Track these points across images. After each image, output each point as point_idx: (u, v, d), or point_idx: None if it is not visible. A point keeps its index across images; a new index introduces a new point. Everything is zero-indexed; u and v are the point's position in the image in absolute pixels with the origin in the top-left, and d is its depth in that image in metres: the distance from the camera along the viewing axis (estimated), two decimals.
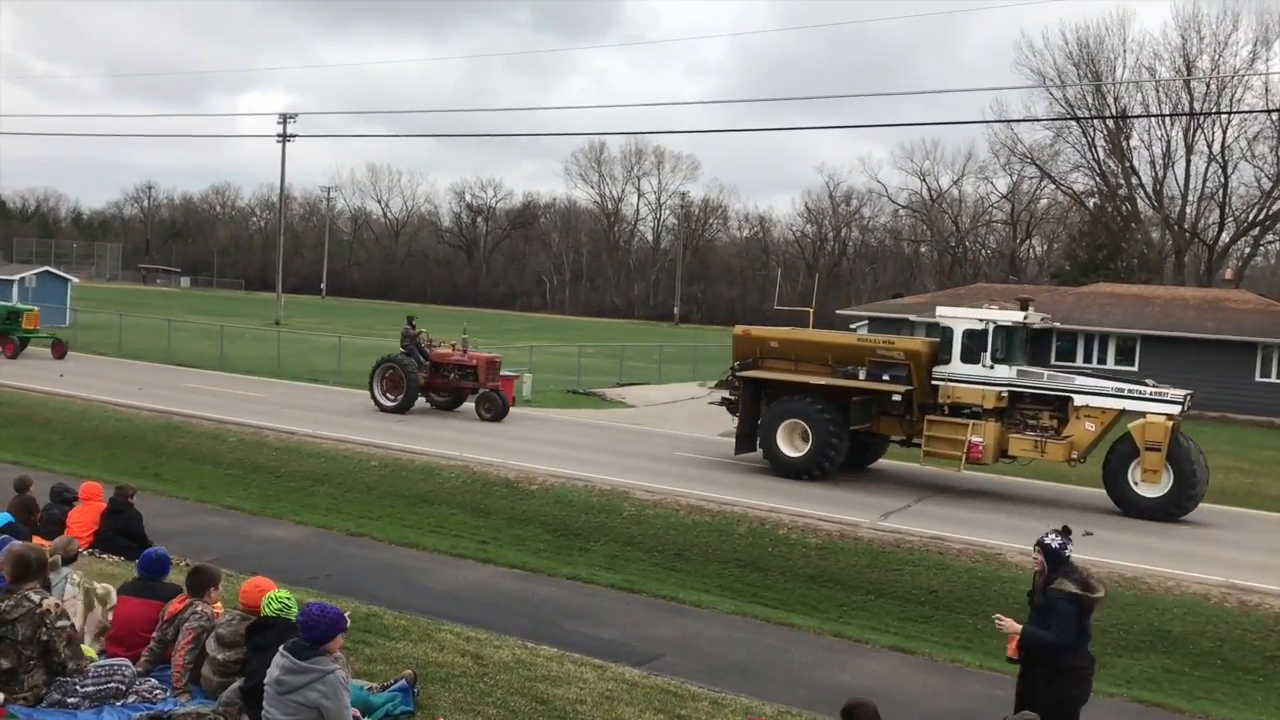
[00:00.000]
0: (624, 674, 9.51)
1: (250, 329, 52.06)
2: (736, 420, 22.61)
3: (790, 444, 21.11)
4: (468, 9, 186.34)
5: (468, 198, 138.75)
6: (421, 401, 27.95)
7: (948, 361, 20.43)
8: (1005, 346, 20.31)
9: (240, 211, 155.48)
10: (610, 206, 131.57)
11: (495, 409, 26.91)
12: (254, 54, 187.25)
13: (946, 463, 20.82)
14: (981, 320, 20.34)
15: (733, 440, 22.79)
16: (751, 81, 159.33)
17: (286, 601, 7.00)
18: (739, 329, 23.13)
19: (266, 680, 6.30)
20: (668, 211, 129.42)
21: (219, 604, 7.75)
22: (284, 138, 71.72)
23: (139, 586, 8.05)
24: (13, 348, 35.58)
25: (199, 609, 7.50)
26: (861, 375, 20.79)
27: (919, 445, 20.91)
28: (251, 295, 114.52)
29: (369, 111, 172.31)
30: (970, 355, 20.22)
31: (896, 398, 20.60)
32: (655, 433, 27.33)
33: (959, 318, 20.66)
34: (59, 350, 36.12)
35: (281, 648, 6.37)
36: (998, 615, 8.12)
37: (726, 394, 23.44)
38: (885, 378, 20.53)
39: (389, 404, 27.00)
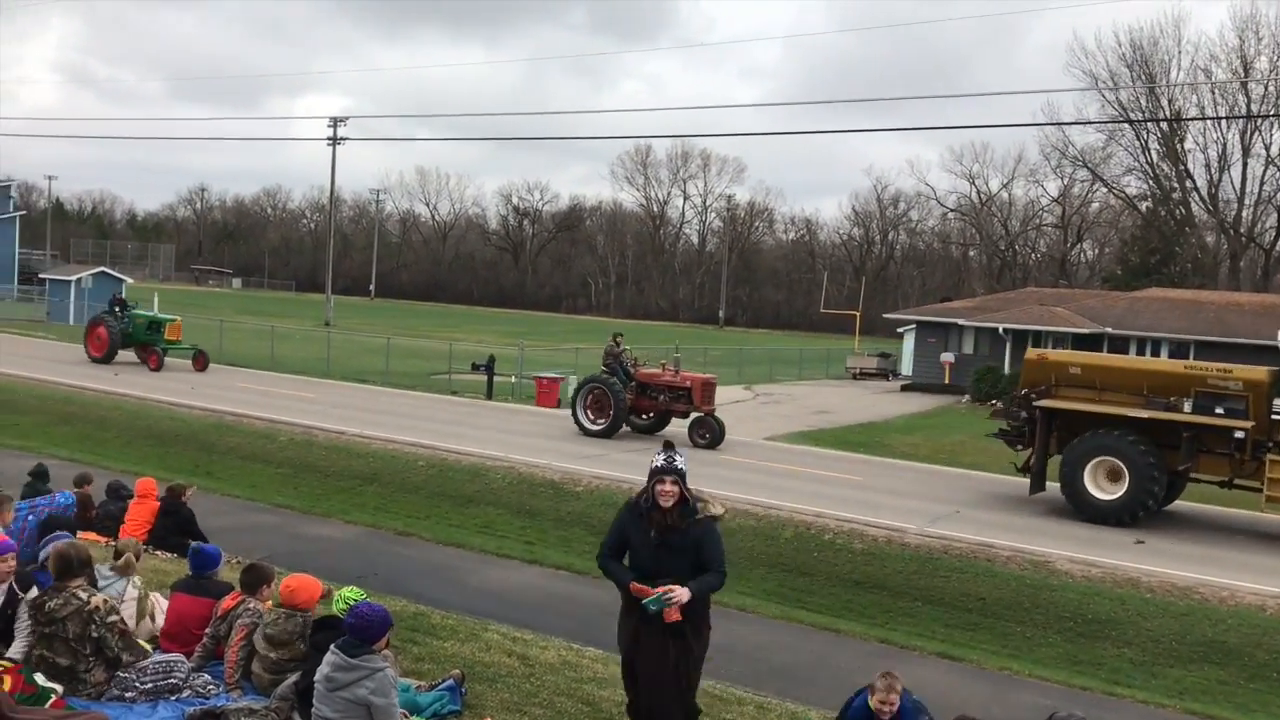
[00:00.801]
0: None
1: (300, 330, 52.70)
2: (1024, 455, 20.65)
3: (1097, 484, 18.94)
4: (524, 10, 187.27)
5: (514, 200, 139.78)
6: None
7: None
8: None
9: (291, 214, 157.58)
10: (656, 209, 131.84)
11: (712, 434, 24.81)
12: (312, 58, 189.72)
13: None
14: None
15: (773, 444, 22.65)
16: (803, 84, 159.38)
17: (354, 601, 7.08)
18: (1033, 353, 21.04)
19: (316, 678, 6.39)
20: (713, 214, 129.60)
21: (269, 601, 7.85)
22: (334, 140, 72.55)
23: (191, 584, 8.17)
24: (157, 359, 33.60)
25: (251, 606, 7.59)
26: (1187, 407, 18.55)
27: (1244, 488, 19.03)
28: (301, 296, 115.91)
29: (419, 115, 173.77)
30: None
31: (1239, 434, 18.23)
32: None
33: None
34: (200, 362, 34.19)
35: (333, 645, 6.46)
36: (667, 588, 6.54)
37: (1005, 424, 21.07)
38: (1219, 410, 18.33)
39: (594, 428, 24.98)
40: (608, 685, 8.74)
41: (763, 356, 53.94)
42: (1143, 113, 69.41)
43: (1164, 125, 67.27)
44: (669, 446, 6.80)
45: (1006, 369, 41.45)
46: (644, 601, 6.55)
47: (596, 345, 29.88)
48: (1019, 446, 20.77)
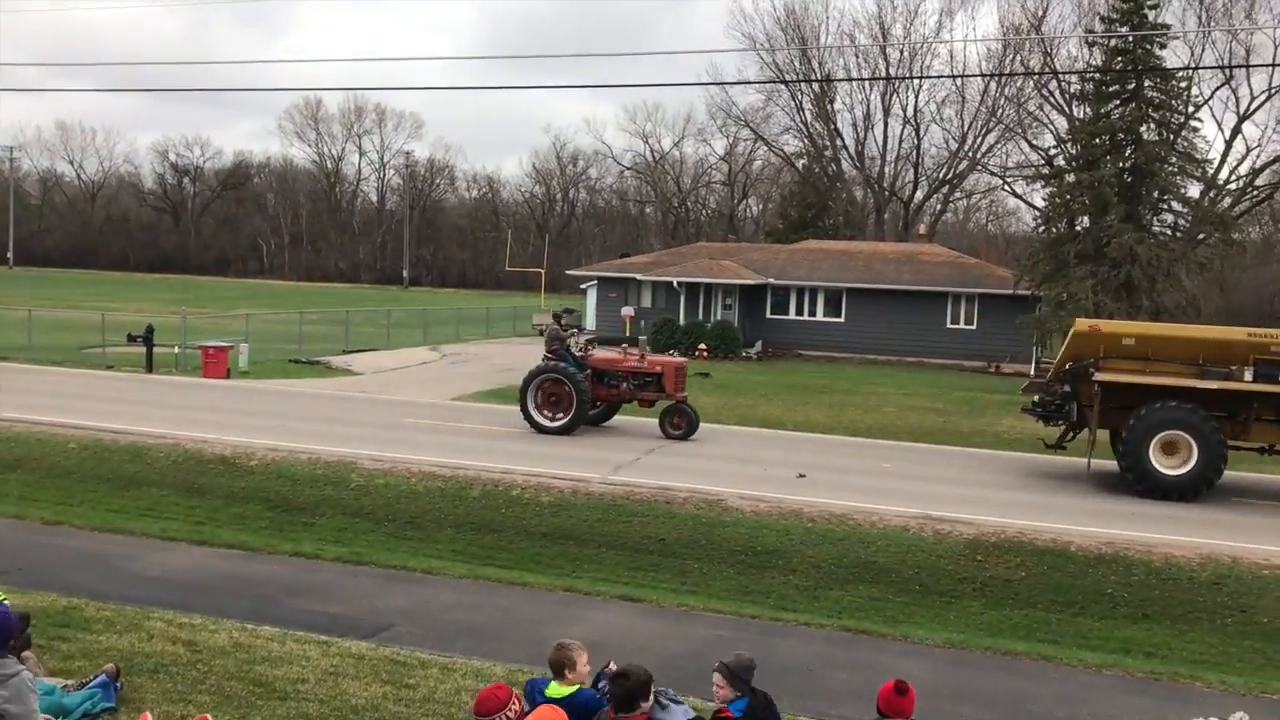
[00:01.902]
0: (350, 648, 9.28)
1: None
2: (1062, 430, 20.05)
3: (1163, 459, 18.21)
4: None
5: (172, 157, 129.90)
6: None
7: None
8: None
9: None
10: (330, 166, 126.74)
11: (689, 423, 22.40)
12: None
13: None
14: None
15: (462, 404, 22.45)
16: (487, 41, 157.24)
17: None
18: (1084, 324, 19.60)
19: None
20: (392, 171, 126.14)
21: None
22: None
23: None
24: None
25: None
26: (1248, 376, 18.02)
27: None
28: None
29: (59, 64, 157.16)
30: None
31: None
32: (385, 400, 26.71)
33: None
34: None
35: None
36: None
37: (1036, 399, 20.12)
38: None
39: (552, 425, 21.91)
40: (282, 664, 8.40)
41: (449, 316, 53.42)
42: (797, 74, 74.00)
43: (815, 87, 72.05)
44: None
45: (681, 320, 43.30)
46: None
47: (268, 310, 28.35)
48: (1056, 423, 20.03)
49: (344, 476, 17.90)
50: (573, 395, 21.77)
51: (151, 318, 35.94)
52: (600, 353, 23.83)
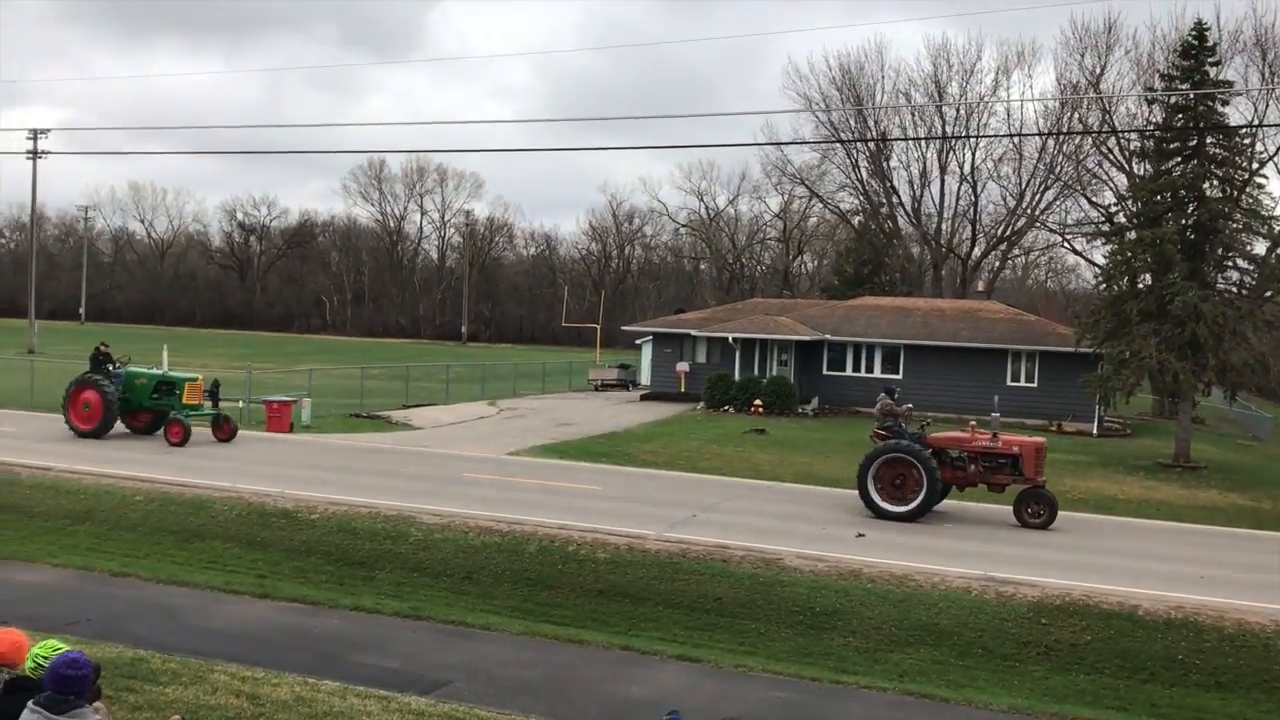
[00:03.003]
0: (410, 704, 9.32)
1: None
2: None
3: None
4: (270, 23, 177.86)
5: (240, 216, 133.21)
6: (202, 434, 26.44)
7: None
8: None
9: None
10: (393, 225, 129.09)
11: (1050, 510, 20.34)
12: (33, 70, 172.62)
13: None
14: None
15: (519, 459, 22.53)
16: (548, 103, 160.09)
17: (49, 656, 6.42)
18: None
19: None
20: (452, 230, 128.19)
21: None
22: (35, 154, 67.05)
23: None
24: (180, 431, 25.92)
25: None
26: None
27: None
28: (1, 322, 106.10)
29: (134, 128, 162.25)
30: None
31: None
32: (443, 454, 26.92)
33: None
34: (225, 430, 27.30)
35: (31, 703, 5.89)
36: None
37: None
38: None
39: (895, 509, 19.97)
40: (343, 719, 8.45)
41: (506, 371, 53.84)
42: (852, 133, 74.21)
43: (871, 145, 72.19)
44: None
45: (736, 376, 43.21)
46: None
47: (331, 365, 28.79)
48: None
49: (403, 531, 18.04)
50: (922, 477, 19.88)
51: (217, 373, 36.66)
52: (949, 434, 21.83)
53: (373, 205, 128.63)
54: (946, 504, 21.77)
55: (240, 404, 32.86)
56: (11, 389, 36.10)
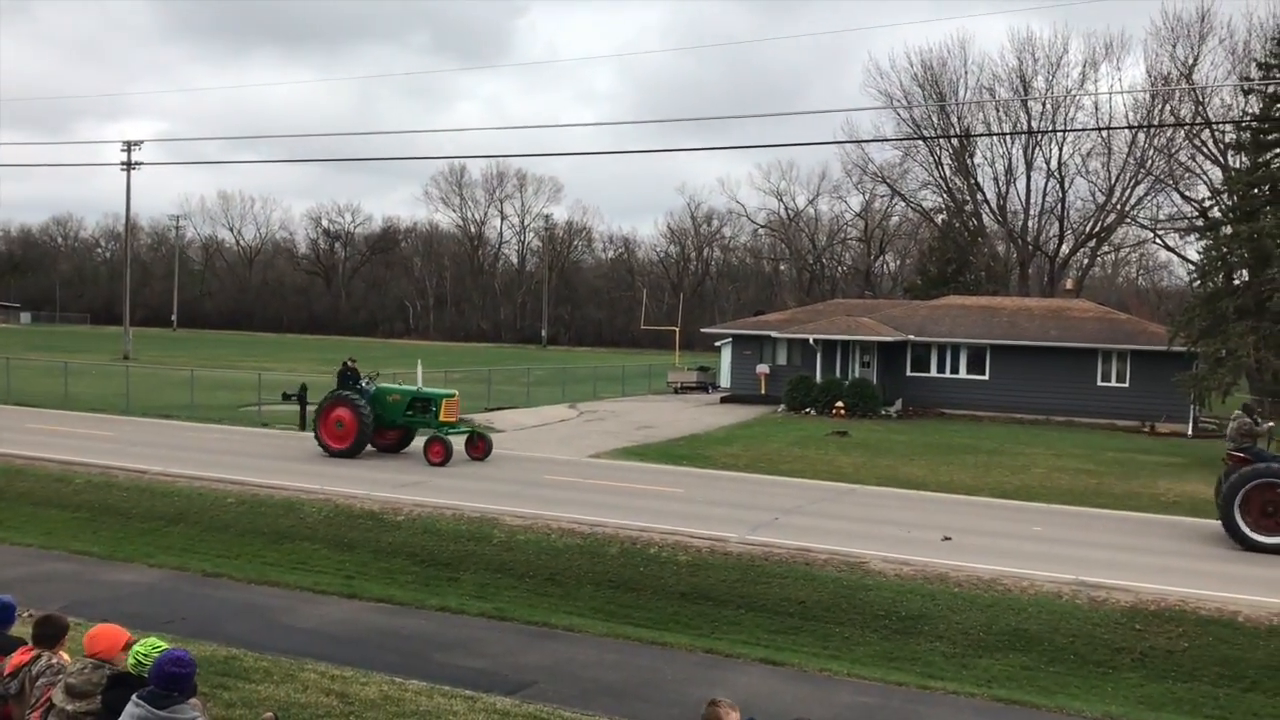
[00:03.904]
0: (495, 704, 9.38)
1: (96, 365, 49.83)
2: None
3: None
4: (366, 32, 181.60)
5: (325, 223, 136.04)
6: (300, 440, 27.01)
7: None
8: None
9: (84, 243, 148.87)
10: (473, 230, 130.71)
11: None
12: (138, 85, 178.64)
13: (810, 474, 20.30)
14: None
15: (600, 461, 22.51)
16: (633, 106, 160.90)
17: (149, 654, 6.57)
18: None
19: None
20: (532, 234, 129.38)
21: (65, 653, 7.32)
22: (129, 165, 69.15)
23: None
24: (443, 451, 24.56)
25: (53, 662, 7.05)
26: None
27: None
28: (97, 330, 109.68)
29: (226, 137, 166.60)
30: None
31: None
32: (525, 457, 27.11)
33: None
34: (480, 448, 25.83)
35: (135, 697, 6.04)
36: None
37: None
38: None
39: (1270, 541, 17.95)
40: (431, 718, 8.54)
41: (586, 374, 54.10)
42: (935, 130, 73.18)
43: (954, 142, 71.10)
44: None
45: (818, 378, 42.84)
46: None
47: (414, 369, 29.11)
48: None
49: (486, 533, 18.21)
50: None
51: (304, 377, 37.48)
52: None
53: (454, 211, 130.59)
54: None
55: None
56: (109, 394, 37.29)
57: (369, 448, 25.86)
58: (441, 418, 25.42)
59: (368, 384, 26.25)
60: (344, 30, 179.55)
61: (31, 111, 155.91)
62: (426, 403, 25.75)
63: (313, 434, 26.01)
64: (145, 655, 6.43)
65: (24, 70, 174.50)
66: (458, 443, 25.57)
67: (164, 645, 6.67)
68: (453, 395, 26.08)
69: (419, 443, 26.00)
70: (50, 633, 7.19)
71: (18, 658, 7.11)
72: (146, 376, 43.10)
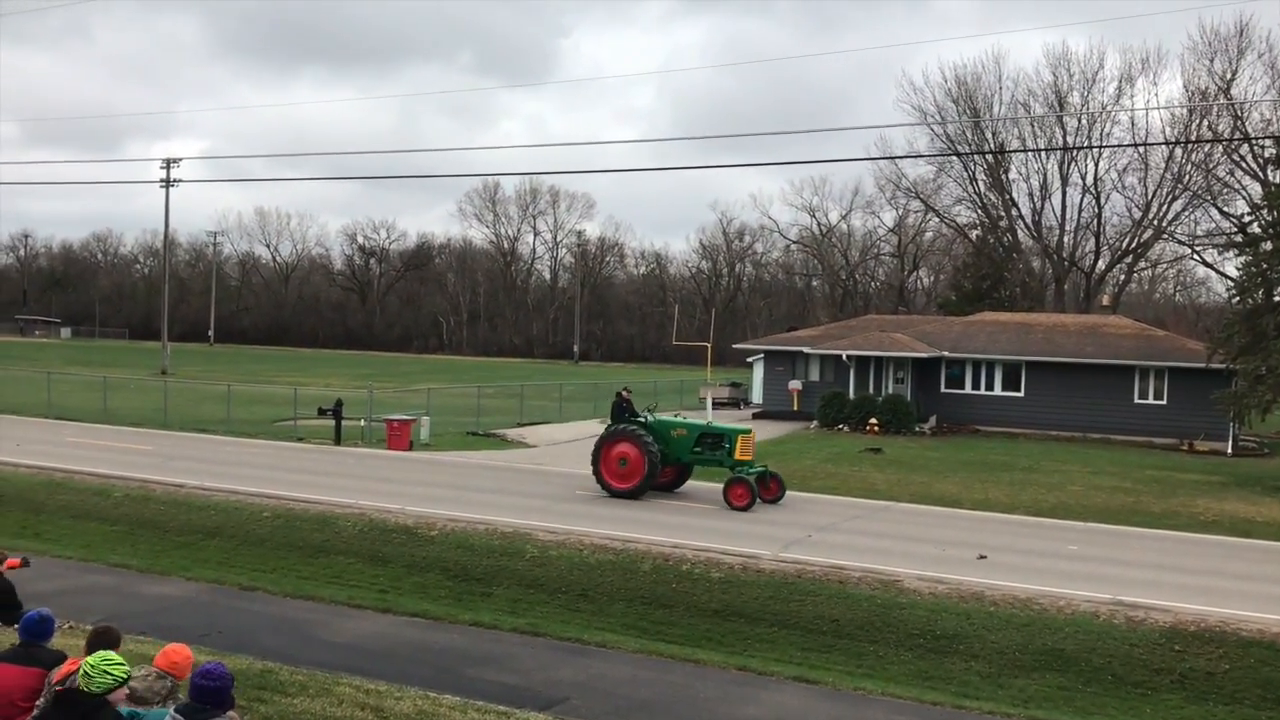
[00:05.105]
0: (529, 719, 9.39)
1: (135, 379, 50.46)
2: None
3: None
4: (411, 52, 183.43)
5: (360, 240, 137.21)
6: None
7: None
8: None
9: (123, 259, 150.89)
10: (506, 246, 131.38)
11: None
12: (185, 104, 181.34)
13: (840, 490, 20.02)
14: None
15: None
16: (671, 123, 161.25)
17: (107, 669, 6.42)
18: None
19: None
20: (564, 250, 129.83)
21: None
22: (167, 183, 70.08)
23: (19, 653, 7.65)
24: (746, 494, 22.13)
25: None
26: None
27: None
28: (136, 345, 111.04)
29: (263, 155, 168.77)
30: None
31: None
32: (557, 472, 27.18)
33: None
34: (773, 489, 23.13)
35: (173, 710, 6.13)
36: None
37: None
38: None
39: None
40: None
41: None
42: (969, 145, 72.82)
43: (989, 157, 70.71)
44: None
45: (851, 394, 42.65)
46: None
47: (448, 384, 29.29)
48: None
49: (519, 548, 18.25)
50: None
51: (339, 392, 37.79)
52: None
53: (487, 227, 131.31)
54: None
55: (362, 423, 33.78)
56: (147, 408, 37.74)
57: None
58: (737, 455, 23.02)
59: (644, 417, 24.20)
60: (391, 50, 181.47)
61: (82, 130, 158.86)
62: (719, 438, 23.39)
63: (591, 472, 23.73)
64: (93, 667, 6.38)
65: (79, 89, 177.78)
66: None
67: (115, 658, 6.57)
68: (748, 432, 23.68)
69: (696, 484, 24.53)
70: (105, 643, 7.30)
71: (67, 667, 7.21)
72: (184, 391, 43.60)
